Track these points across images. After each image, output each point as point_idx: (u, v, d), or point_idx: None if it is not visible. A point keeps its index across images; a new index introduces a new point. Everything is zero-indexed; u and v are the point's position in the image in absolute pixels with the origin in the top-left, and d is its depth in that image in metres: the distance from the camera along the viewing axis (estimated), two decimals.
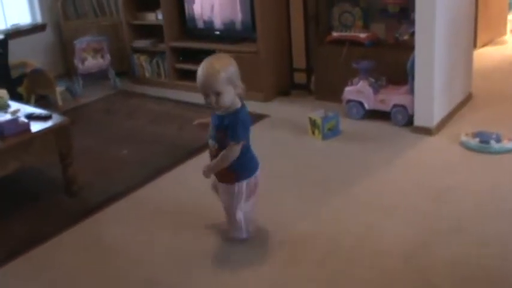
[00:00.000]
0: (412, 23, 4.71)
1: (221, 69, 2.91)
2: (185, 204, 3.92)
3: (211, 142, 3.13)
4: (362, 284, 2.94)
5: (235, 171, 3.14)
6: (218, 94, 2.91)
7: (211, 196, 3.47)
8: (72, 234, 3.69)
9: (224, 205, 3.30)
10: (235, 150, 3.05)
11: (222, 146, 3.07)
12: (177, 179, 4.34)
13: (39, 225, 3.81)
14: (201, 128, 3.33)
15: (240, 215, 3.26)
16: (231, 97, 2.98)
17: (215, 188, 3.38)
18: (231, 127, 3.00)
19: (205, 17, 6.37)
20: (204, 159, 4.47)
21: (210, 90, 2.91)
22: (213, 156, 3.13)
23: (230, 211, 3.27)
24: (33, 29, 7.11)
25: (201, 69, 2.93)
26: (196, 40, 6.51)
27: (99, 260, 3.37)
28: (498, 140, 4.29)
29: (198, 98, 6.01)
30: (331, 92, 5.50)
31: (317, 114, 4.82)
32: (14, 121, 3.88)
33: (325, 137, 4.79)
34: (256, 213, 3.44)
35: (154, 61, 6.92)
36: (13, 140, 3.80)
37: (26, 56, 6.46)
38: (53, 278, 3.24)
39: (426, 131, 4.69)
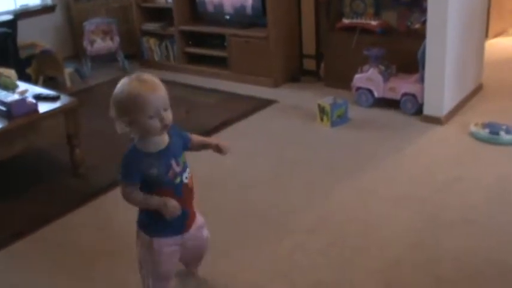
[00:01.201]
0: (424, 11, 4.68)
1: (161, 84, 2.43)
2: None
3: (187, 175, 2.53)
4: (367, 272, 2.93)
5: None
6: (166, 110, 2.40)
7: (220, 180, 3.45)
8: (79, 216, 3.70)
9: (204, 239, 2.79)
10: None
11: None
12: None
13: (46, 206, 3.81)
14: None
15: None
16: None
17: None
18: (181, 135, 2.58)
19: (215, 1, 6.32)
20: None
21: (164, 106, 2.39)
22: (191, 188, 2.58)
23: (208, 237, 2.82)
24: (43, 10, 7.10)
25: (144, 84, 2.34)
26: (206, 24, 6.48)
27: (105, 241, 3.39)
28: (508, 132, 4.26)
29: (206, 82, 6.04)
30: (340, 79, 5.47)
31: (326, 101, 4.80)
32: (22, 101, 3.86)
33: (333, 124, 4.76)
34: None
35: (163, 44, 6.90)
36: (21, 120, 3.79)
37: (35, 37, 6.45)
38: (59, 258, 3.25)
39: (435, 121, 4.66)
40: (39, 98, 4.06)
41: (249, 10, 6.06)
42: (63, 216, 3.67)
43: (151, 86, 2.36)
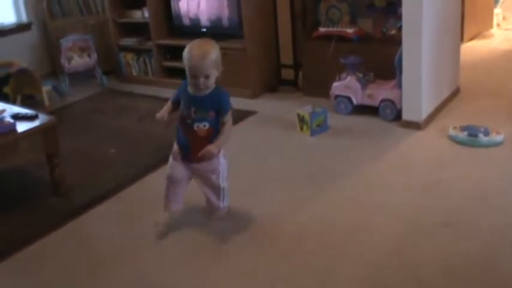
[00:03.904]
0: (399, 17, 4.71)
1: (212, 52, 3.12)
2: None
3: (199, 125, 3.20)
4: (350, 279, 2.93)
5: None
6: (207, 77, 3.10)
7: (199, 192, 3.45)
8: (61, 235, 3.66)
9: (213, 184, 3.38)
10: (231, 119, 3.29)
11: (212, 124, 3.20)
12: (165, 178, 4.31)
13: (27, 226, 3.77)
14: (169, 122, 3.41)
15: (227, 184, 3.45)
16: (214, 79, 3.18)
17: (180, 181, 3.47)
18: (223, 101, 3.21)
19: (192, 15, 6.34)
20: None
21: (200, 73, 3.07)
22: (203, 137, 3.21)
23: (220, 185, 3.39)
24: (19, 28, 7.07)
25: (193, 51, 3.09)
26: (182, 37, 6.46)
27: (87, 261, 3.35)
28: (486, 134, 4.30)
29: None
30: (319, 88, 5.49)
31: (305, 110, 4.81)
32: (0, 121, 3.84)
33: (313, 133, 4.78)
34: None
35: (141, 59, 6.89)
36: None
37: (11, 55, 6.41)
38: (41, 279, 3.21)
39: (414, 125, 4.69)
40: (17, 117, 4.03)
41: (225, 22, 6.08)
42: (46, 235, 3.63)
43: (198, 55, 3.07)
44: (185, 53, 3.12)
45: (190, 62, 3.09)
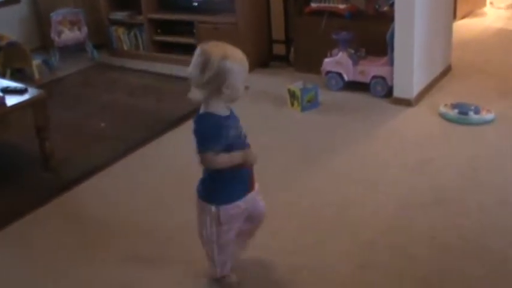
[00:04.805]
0: None
1: None
2: (164, 177, 3.90)
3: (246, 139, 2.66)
4: (341, 255, 2.94)
5: None
6: None
7: (191, 169, 3.44)
8: (50, 209, 3.65)
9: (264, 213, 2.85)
10: None
11: None
12: (155, 151, 4.31)
13: (16, 200, 3.76)
14: None
15: None
16: None
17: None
18: None
19: None
20: (182, 131, 4.43)
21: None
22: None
23: None
24: (8, 1, 6.98)
25: (244, 59, 2.49)
26: (174, 12, 6.43)
27: (77, 235, 3.35)
28: (477, 112, 4.30)
29: (176, 70, 6.00)
30: (310, 64, 5.47)
31: (296, 86, 4.80)
32: None
33: (304, 108, 4.77)
34: None
35: (132, 33, 6.83)
36: None
37: (0, 29, 6.35)
38: (30, 253, 3.21)
39: (405, 102, 4.69)
40: (6, 91, 4.00)
41: None
42: (36, 210, 3.62)
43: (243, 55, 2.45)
44: (236, 63, 2.44)
45: (244, 69, 2.50)
